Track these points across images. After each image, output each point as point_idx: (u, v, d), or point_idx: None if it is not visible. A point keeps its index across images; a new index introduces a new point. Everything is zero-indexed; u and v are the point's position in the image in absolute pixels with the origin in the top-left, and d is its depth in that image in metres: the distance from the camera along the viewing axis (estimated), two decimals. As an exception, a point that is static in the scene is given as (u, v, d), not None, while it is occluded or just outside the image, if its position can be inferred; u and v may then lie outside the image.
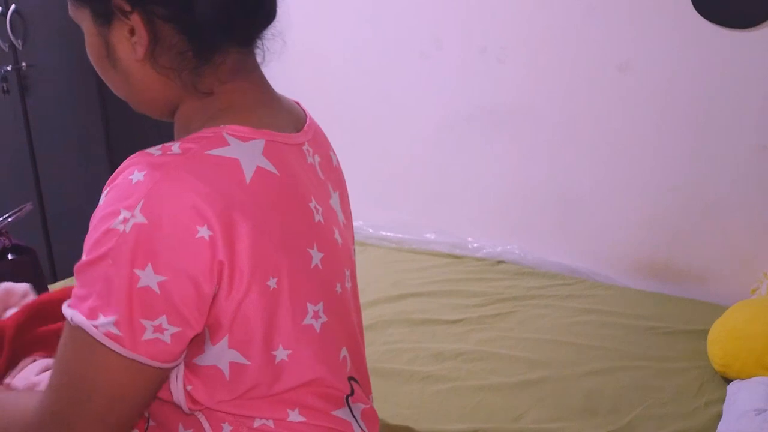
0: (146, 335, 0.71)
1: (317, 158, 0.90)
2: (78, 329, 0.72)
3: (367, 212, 2.64)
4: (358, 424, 0.90)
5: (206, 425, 0.82)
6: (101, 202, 0.73)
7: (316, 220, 0.84)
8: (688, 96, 2.03)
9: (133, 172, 0.72)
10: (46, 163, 2.84)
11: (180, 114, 0.84)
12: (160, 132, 1.24)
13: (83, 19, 0.81)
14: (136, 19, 0.76)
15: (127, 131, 2.61)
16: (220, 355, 0.78)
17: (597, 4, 2.10)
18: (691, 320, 1.91)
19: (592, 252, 2.30)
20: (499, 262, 2.37)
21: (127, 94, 0.84)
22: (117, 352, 0.71)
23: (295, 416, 0.83)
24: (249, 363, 0.79)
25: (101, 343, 0.71)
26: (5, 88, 2.73)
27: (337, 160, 1.00)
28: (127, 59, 0.79)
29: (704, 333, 1.75)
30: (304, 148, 0.87)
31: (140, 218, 0.69)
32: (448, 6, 2.36)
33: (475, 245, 2.44)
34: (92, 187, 2.76)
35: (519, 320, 1.98)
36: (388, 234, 2.58)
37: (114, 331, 0.70)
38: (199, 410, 0.81)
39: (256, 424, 0.82)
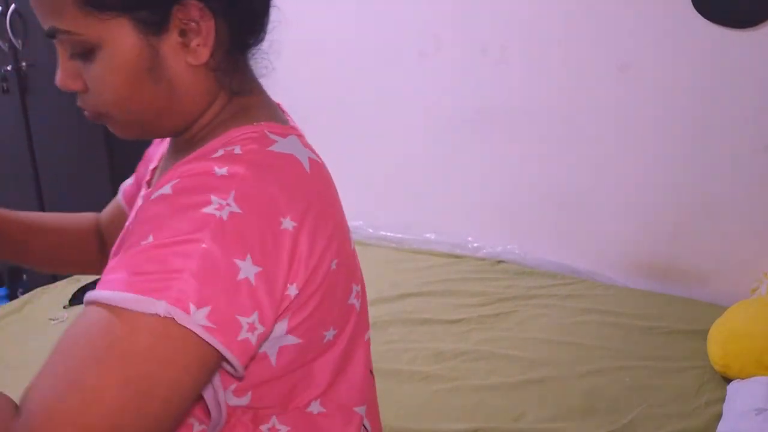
0: (241, 335, 0.63)
1: None
2: (158, 319, 0.60)
3: (367, 212, 2.63)
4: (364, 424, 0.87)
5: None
6: (165, 191, 0.66)
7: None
8: (688, 96, 2.03)
9: (212, 168, 0.67)
10: (46, 163, 2.84)
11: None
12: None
13: (112, 34, 0.70)
14: (208, 24, 0.71)
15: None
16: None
17: (597, 4, 2.10)
18: (691, 320, 1.91)
19: (592, 252, 2.30)
20: (499, 262, 2.37)
21: (163, 108, 0.74)
22: (211, 347, 0.62)
23: (315, 407, 0.79)
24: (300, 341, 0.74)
25: (193, 336, 0.60)
26: (5, 88, 2.73)
27: None
28: (179, 67, 0.72)
29: (704, 333, 1.75)
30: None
31: (235, 207, 0.64)
32: (447, 5, 2.36)
33: (475, 245, 2.44)
34: (92, 187, 2.76)
35: (519, 320, 1.98)
36: (388, 234, 2.58)
37: (208, 323, 0.61)
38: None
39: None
